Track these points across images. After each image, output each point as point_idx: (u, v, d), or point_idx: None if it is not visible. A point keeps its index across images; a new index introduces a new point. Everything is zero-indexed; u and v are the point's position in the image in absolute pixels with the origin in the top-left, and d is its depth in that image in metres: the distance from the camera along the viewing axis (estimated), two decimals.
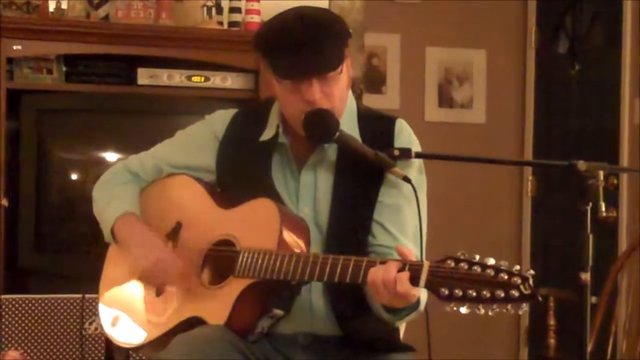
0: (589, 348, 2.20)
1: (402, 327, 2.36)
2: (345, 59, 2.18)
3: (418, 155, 2.22)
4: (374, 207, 2.21)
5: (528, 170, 5.69)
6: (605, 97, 5.06)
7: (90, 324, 3.28)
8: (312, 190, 2.23)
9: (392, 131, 2.26)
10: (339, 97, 2.19)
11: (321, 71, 2.13)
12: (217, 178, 2.33)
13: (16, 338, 3.33)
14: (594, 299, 4.00)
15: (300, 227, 2.16)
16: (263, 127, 2.29)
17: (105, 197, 2.37)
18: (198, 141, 2.37)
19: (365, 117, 2.29)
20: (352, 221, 2.20)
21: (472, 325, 5.52)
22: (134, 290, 2.33)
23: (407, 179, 2.15)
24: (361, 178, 2.21)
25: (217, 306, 2.12)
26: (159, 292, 2.29)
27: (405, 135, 2.26)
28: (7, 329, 3.33)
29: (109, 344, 2.41)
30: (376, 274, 1.92)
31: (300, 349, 2.20)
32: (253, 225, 2.16)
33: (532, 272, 1.83)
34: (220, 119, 2.37)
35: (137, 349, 2.35)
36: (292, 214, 2.19)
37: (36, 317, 3.36)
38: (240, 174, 2.28)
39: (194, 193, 2.33)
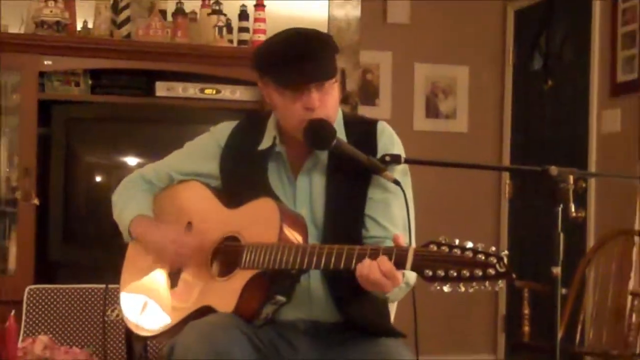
0: (560, 335, 2.19)
1: (392, 312, 2.36)
2: (338, 71, 2.19)
3: (407, 161, 2.22)
4: (364, 203, 2.20)
5: (506, 175, 5.70)
6: (576, 109, 5.07)
7: (112, 311, 3.27)
8: (308, 193, 2.23)
9: (374, 133, 2.26)
10: (333, 106, 2.20)
11: (320, 79, 2.14)
12: (221, 183, 2.33)
13: (46, 324, 3.32)
14: (564, 291, 4.01)
15: (298, 223, 2.15)
16: (261, 137, 2.29)
17: (122, 203, 2.38)
18: (204, 151, 2.37)
19: (351, 122, 2.29)
20: (345, 217, 2.20)
21: (454, 314, 5.53)
22: (150, 285, 2.32)
23: (397, 182, 2.15)
24: (351, 179, 2.20)
25: (226, 295, 2.11)
26: (173, 285, 2.28)
27: (387, 136, 2.26)
28: (37, 316, 3.33)
29: (128, 330, 2.40)
30: (361, 269, 1.93)
31: (301, 334, 2.19)
32: (256, 222, 2.16)
33: (506, 252, 1.82)
34: (222, 130, 2.37)
35: (154, 337, 2.34)
36: (291, 211, 2.18)
37: (63, 305, 3.35)
38: (240, 180, 2.27)
39: (202, 196, 2.33)
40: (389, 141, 2.25)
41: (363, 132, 2.26)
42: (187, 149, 2.44)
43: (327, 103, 2.17)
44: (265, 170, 2.26)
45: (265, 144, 2.28)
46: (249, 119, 2.41)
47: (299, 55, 2.12)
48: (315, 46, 2.14)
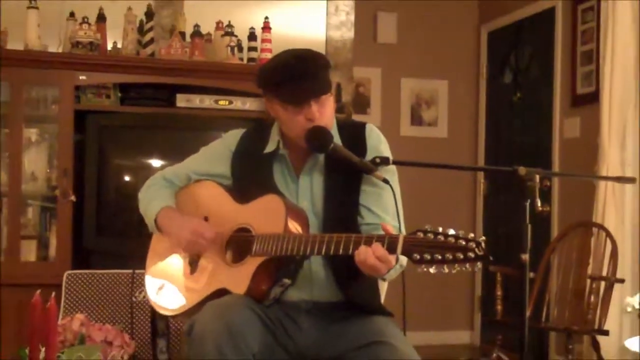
0: (528, 313, 2.20)
1: (382, 294, 2.36)
2: (332, 85, 2.19)
3: (395, 163, 2.22)
4: (358, 195, 2.20)
5: (480, 175, 5.71)
6: (541, 117, 5.07)
7: (139, 293, 3.27)
8: (309, 189, 2.23)
9: (364, 134, 2.26)
10: (329, 115, 2.20)
11: (318, 94, 2.14)
12: (233, 182, 2.33)
13: (81, 304, 3.33)
14: (532, 275, 4.02)
15: (300, 216, 2.15)
16: (266, 142, 2.29)
17: (148, 199, 2.37)
18: (217, 154, 2.37)
19: (344, 126, 2.29)
20: (341, 208, 2.19)
21: (436, 296, 5.54)
22: (172, 271, 2.32)
23: (386, 181, 2.15)
24: (345, 176, 2.21)
25: (239, 279, 2.11)
26: (193, 270, 2.28)
27: (375, 136, 2.27)
28: (74, 297, 3.33)
29: (153, 309, 2.39)
30: (359, 255, 1.93)
31: (303, 313, 2.19)
32: (264, 216, 2.15)
33: (484, 237, 1.82)
34: (233, 136, 2.37)
35: (175, 316, 2.34)
36: (294, 206, 2.18)
37: (97, 288, 3.35)
38: (249, 179, 2.27)
39: (217, 193, 2.33)
40: (377, 140, 2.26)
41: (354, 134, 2.26)
42: (203, 153, 2.43)
43: (325, 113, 2.17)
44: (270, 170, 2.26)
45: (270, 147, 2.28)
46: (255, 127, 2.41)
47: (298, 76, 2.11)
48: (311, 66, 2.14)
